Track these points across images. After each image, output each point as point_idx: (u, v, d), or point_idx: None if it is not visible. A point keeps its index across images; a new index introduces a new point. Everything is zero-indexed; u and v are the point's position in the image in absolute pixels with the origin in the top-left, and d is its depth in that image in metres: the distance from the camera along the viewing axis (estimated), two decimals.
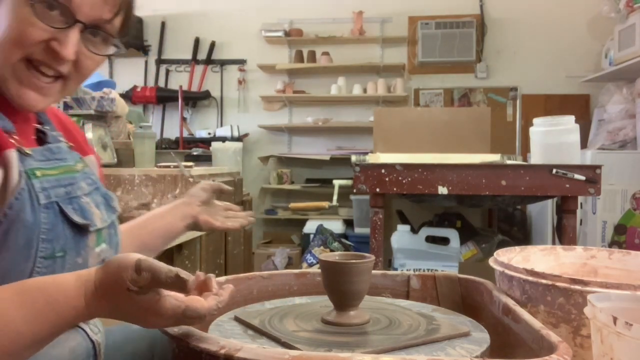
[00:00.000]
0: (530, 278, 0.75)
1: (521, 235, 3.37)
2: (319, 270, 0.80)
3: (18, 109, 0.70)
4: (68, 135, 0.84)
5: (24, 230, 0.63)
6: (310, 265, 3.03)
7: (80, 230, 0.71)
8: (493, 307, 0.79)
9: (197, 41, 4.65)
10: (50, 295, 0.59)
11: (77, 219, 0.70)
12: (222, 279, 0.90)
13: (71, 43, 0.67)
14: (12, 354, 0.56)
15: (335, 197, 2.45)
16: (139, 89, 4.54)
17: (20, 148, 0.67)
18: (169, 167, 2.09)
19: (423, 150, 2.46)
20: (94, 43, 0.71)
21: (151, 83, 4.70)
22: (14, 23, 0.65)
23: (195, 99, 4.68)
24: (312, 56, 4.48)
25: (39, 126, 0.78)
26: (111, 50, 0.73)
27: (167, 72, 4.74)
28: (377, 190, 2.14)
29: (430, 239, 2.59)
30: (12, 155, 0.65)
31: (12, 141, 0.67)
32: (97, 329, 0.76)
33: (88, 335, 0.73)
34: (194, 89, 4.68)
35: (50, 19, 0.66)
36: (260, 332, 0.71)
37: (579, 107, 4.20)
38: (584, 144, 2.96)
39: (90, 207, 0.75)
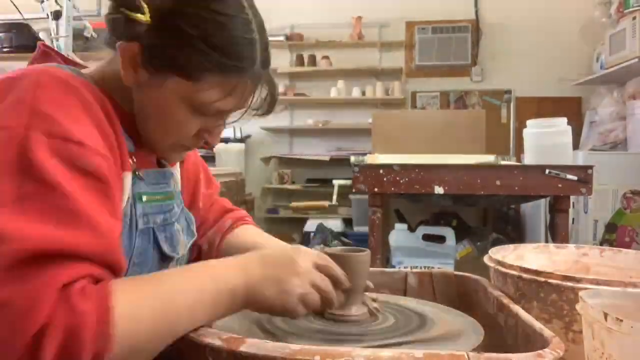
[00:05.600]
0: (523, 275, 0.76)
1: (515, 233, 3.37)
2: None
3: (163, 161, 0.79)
4: None
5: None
6: None
7: (166, 258, 0.74)
8: (488, 303, 0.80)
9: None
10: (211, 265, 0.64)
11: (166, 249, 0.73)
12: None
13: (219, 134, 0.74)
14: (169, 319, 0.56)
15: (334, 197, 2.49)
16: None
17: (136, 170, 0.70)
18: None
19: (420, 151, 2.49)
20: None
21: None
22: (174, 117, 0.68)
23: None
24: (313, 60, 4.54)
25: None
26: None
27: None
28: (376, 190, 2.16)
29: (427, 237, 2.56)
30: (128, 179, 0.66)
31: (131, 162, 0.69)
32: None
33: None
34: None
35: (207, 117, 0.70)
36: (261, 327, 0.70)
37: (571, 109, 4.22)
38: (575, 145, 2.96)
39: (178, 235, 0.77)
